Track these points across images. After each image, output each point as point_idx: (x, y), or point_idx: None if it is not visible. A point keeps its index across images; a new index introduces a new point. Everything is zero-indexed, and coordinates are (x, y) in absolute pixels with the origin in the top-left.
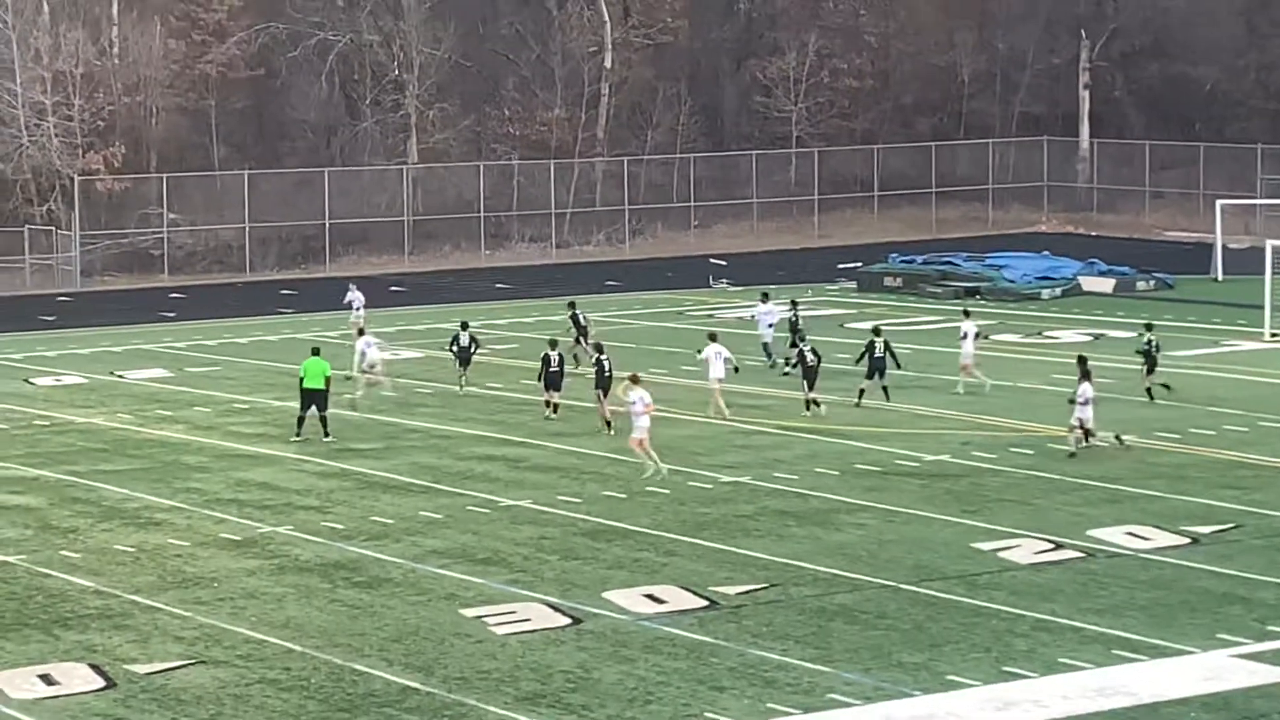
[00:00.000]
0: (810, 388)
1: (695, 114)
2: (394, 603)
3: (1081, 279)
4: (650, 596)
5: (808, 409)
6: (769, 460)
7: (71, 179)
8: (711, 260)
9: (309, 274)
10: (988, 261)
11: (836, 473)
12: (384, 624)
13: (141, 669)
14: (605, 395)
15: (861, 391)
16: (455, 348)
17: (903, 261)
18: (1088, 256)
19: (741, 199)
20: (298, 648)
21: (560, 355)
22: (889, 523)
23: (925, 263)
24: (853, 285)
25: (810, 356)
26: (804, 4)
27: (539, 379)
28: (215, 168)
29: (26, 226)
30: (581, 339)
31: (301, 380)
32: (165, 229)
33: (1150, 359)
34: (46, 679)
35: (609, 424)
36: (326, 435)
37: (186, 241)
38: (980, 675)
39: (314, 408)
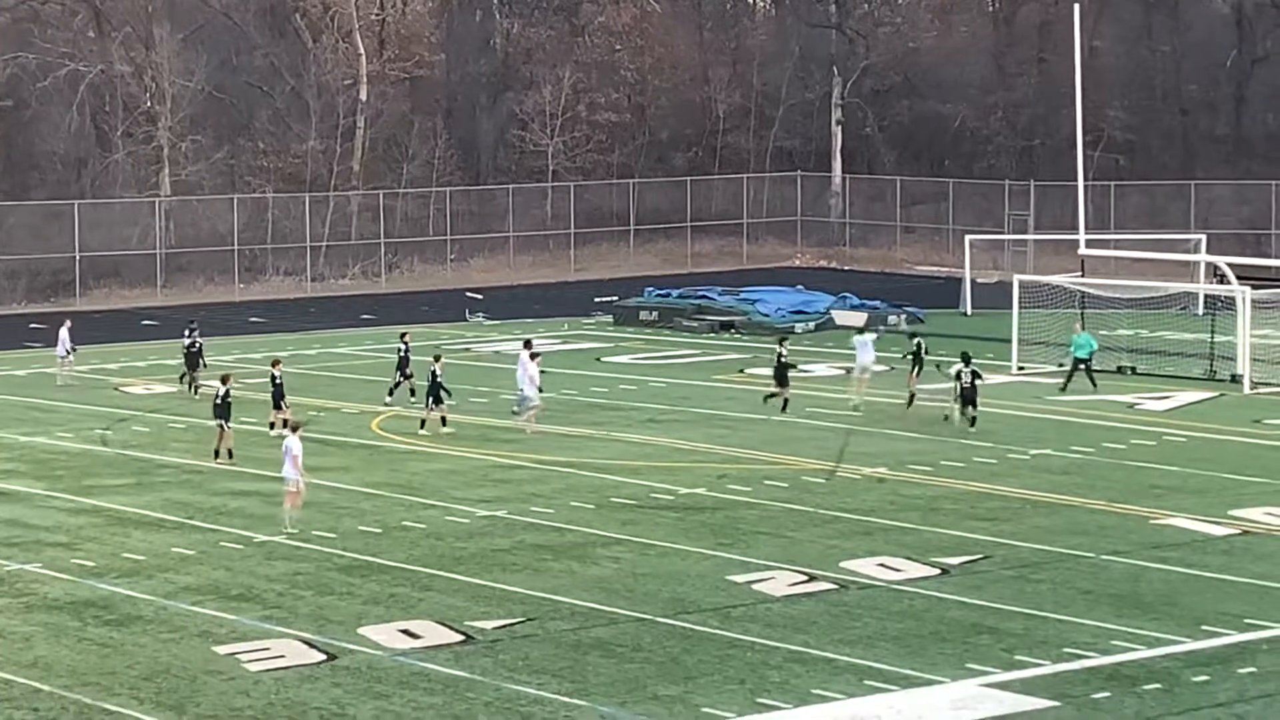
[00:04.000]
0: (969, 404)
1: (451, 148)
2: (145, 640)
3: (834, 313)
4: (406, 632)
5: (956, 420)
6: (525, 494)
7: None
8: (468, 294)
9: (59, 307)
10: (742, 295)
11: (593, 506)
12: (135, 662)
13: None
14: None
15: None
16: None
17: (658, 295)
18: (840, 291)
19: (498, 233)
20: (45, 687)
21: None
22: (645, 556)
23: (681, 297)
24: (609, 319)
25: (968, 377)
26: (559, 39)
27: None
28: None
29: None
30: (195, 368)
31: None
32: None
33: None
34: None
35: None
36: None
37: None
38: (735, 707)
39: None
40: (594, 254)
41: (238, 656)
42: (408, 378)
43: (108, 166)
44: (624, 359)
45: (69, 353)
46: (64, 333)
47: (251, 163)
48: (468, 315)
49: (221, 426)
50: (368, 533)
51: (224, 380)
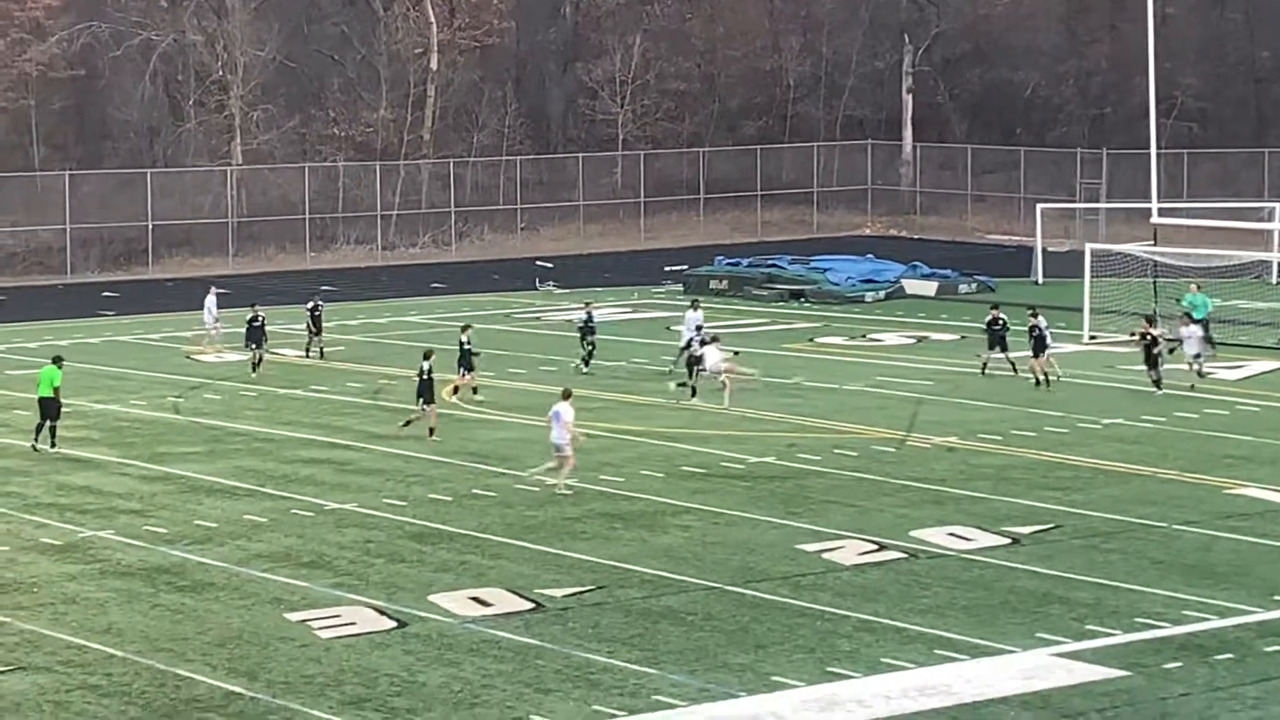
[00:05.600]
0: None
1: (521, 116)
2: (217, 607)
3: (905, 282)
4: (476, 599)
5: (1037, 384)
6: (596, 463)
7: None
8: (538, 263)
9: (131, 275)
10: (812, 264)
11: (662, 475)
12: (207, 628)
13: None
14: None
15: (985, 364)
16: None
17: (728, 264)
18: (911, 259)
19: (568, 201)
20: (119, 653)
21: (431, 365)
22: (714, 525)
23: (750, 265)
24: (679, 288)
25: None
26: (630, 7)
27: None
28: (35, 168)
29: None
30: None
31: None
32: None
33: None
34: None
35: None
36: (53, 445)
37: (6, 243)
38: (804, 676)
39: (47, 418)
40: (664, 223)
41: (309, 623)
42: (591, 345)
43: (180, 135)
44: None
45: (217, 320)
46: (210, 299)
47: (322, 131)
48: (538, 284)
49: (424, 404)
50: (438, 501)
51: (427, 356)
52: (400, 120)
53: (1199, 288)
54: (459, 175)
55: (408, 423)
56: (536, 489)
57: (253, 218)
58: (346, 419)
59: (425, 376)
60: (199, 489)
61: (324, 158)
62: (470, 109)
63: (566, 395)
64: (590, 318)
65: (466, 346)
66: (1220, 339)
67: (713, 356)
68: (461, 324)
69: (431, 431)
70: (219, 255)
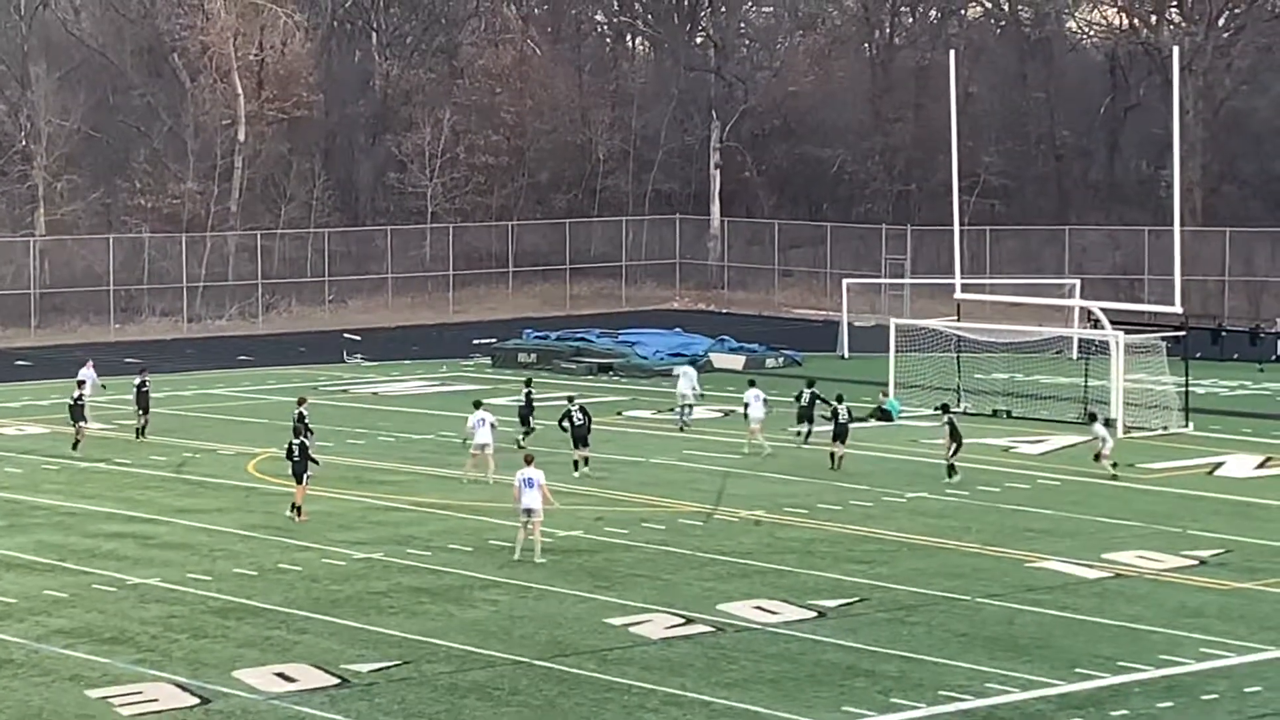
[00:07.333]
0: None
1: (329, 188)
2: (16, 684)
3: (713, 356)
4: (281, 675)
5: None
6: (403, 536)
7: None
8: (345, 335)
9: None
10: (621, 338)
11: (470, 549)
12: (5, 707)
13: None
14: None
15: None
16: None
17: (537, 338)
18: (719, 334)
19: (376, 274)
20: None
21: (303, 441)
22: (521, 599)
23: (559, 339)
24: (487, 361)
25: (844, 414)
26: (439, 81)
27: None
28: None
29: None
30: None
31: None
32: None
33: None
34: None
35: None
36: None
37: None
38: None
39: None
40: (472, 295)
41: (110, 700)
42: (530, 430)
43: None
44: (503, 401)
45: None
46: (88, 371)
47: (128, 202)
48: (345, 357)
49: (300, 479)
50: (243, 575)
51: (297, 433)
52: (207, 192)
53: (886, 395)
54: (266, 247)
55: (294, 507)
56: (343, 563)
57: (56, 289)
58: (150, 493)
59: (297, 456)
60: None
61: (129, 229)
62: (278, 181)
63: (529, 460)
64: (530, 399)
65: (306, 420)
66: (1021, 414)
67: (484, 434)
68: (297, 397)
69: (299, 511)
70: (21, 326)
